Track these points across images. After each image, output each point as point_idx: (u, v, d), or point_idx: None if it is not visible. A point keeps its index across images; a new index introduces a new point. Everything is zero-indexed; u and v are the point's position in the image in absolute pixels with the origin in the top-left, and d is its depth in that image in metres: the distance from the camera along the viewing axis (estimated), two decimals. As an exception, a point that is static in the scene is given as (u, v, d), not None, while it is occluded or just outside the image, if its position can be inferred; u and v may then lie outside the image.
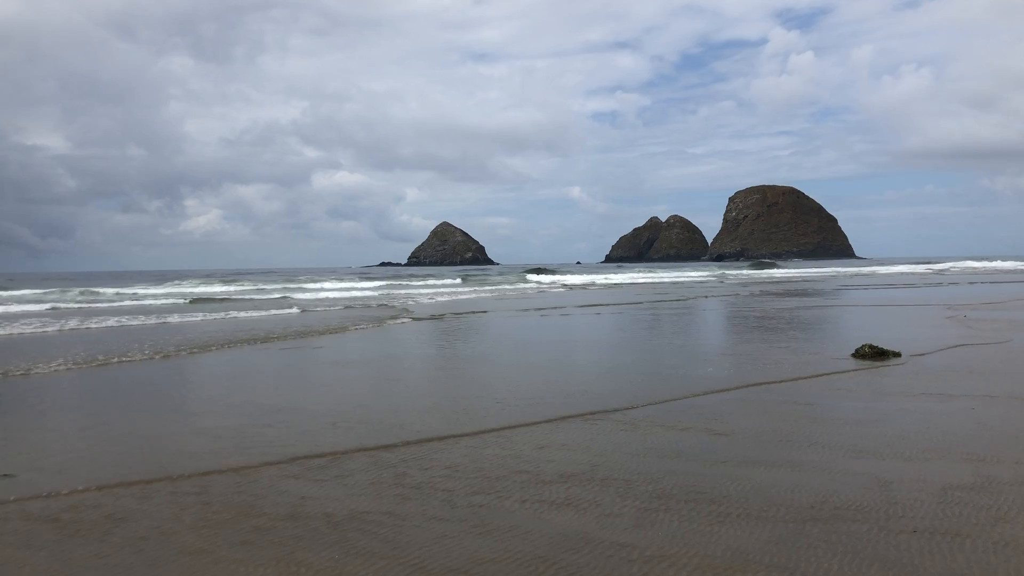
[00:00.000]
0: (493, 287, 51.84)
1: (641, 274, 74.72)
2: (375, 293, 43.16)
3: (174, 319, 24.23)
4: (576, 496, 5.83)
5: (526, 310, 28.35)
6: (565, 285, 54.18)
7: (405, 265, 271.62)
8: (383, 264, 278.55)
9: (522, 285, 55.86)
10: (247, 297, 40.24)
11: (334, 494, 6.02)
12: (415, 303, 33.81)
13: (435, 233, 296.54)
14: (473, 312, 27.29)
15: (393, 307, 30.63)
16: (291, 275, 74.15)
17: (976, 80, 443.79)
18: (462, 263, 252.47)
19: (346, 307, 31.01)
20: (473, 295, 41.41)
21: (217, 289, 49.32)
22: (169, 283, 57.83)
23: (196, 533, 5.23)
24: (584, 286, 53.21)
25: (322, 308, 30.55)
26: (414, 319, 24.20)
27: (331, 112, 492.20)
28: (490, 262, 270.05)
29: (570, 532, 5.09)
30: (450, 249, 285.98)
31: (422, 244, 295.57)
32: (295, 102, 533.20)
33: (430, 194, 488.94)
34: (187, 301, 34.63)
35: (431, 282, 59.09)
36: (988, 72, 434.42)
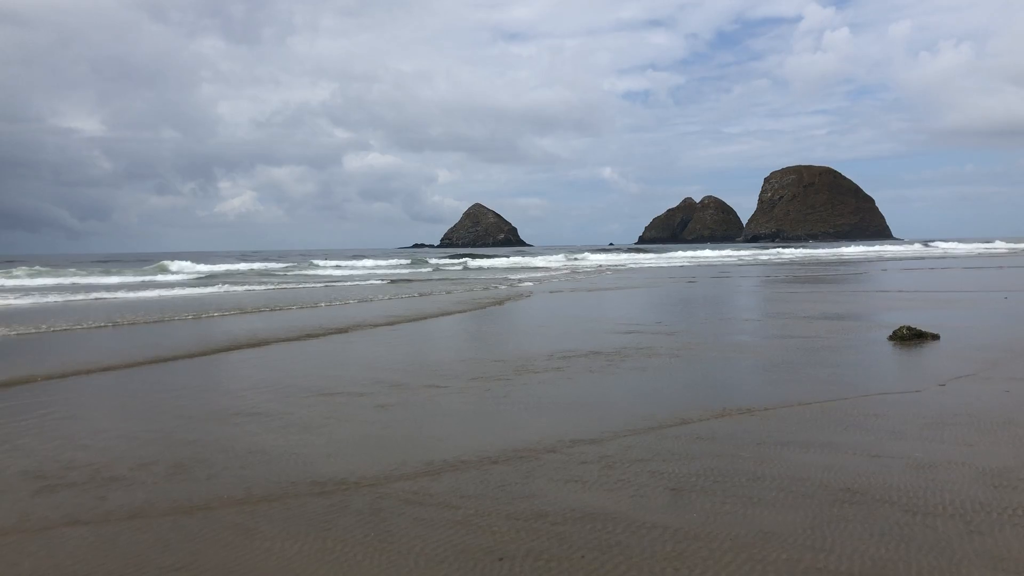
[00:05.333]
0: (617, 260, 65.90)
1: (729, 252, 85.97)
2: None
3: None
4: (608, 476, 5.83)
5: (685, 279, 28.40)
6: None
7: (438, 247, 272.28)
8: (416, 246, 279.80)
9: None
10: (473, 277, 42.19)
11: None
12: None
13: (467, 215, 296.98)
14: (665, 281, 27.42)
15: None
16: (358, 254, 76.04)
17: (1018, 55, 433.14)
18: (495, 244, 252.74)
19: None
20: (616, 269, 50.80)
21: (397, 272, 50.74)
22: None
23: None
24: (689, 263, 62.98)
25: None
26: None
27: (360, 93, 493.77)
28: (523, 243, 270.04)
29: (602, 512, 5.09)
30: (483, 231, 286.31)
31: (455, 226, 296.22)
32: (324, 83, 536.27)
33: (461, 175, 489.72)
34: (388, 282, 36.29)
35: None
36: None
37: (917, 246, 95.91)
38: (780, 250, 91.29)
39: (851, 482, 5.56)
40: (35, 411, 8.56)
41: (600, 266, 57.70)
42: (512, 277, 41.25)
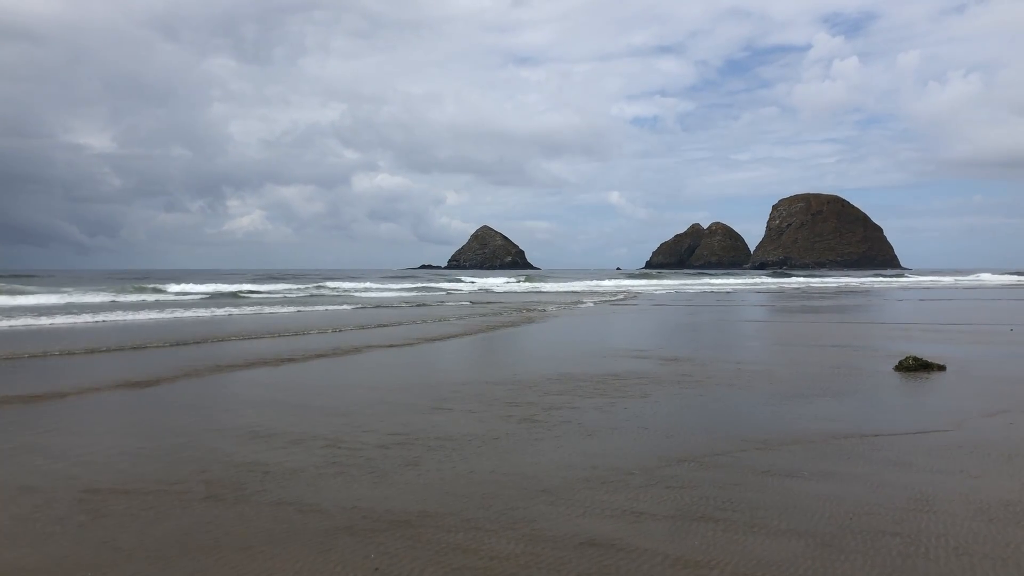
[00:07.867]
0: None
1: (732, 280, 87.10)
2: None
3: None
4: (611, 502, 5.82)
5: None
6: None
7: (445, 268, 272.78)
8: (424, 267, 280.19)
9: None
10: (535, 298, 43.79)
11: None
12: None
13: (475, 237, 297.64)
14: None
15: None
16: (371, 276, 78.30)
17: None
18: (502, 267, 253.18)
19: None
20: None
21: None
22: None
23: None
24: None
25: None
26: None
27: (369, 114, 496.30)
28: (530, 266, 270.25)
29: (603, 538, 5.09)
30: (490, 253, 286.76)
31: (462, 247, 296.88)
32: (334, 104, 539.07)
33: (469, 197, 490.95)
34: (470, 303, 37.86)
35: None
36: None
37: (950, 278, 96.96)
38: (807, 280, 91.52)
39: (852, 512, 5.54)
40: (37, 427, 8.65)
41: (620, 290, 58.86)
42: (583, 298, 43.13)
